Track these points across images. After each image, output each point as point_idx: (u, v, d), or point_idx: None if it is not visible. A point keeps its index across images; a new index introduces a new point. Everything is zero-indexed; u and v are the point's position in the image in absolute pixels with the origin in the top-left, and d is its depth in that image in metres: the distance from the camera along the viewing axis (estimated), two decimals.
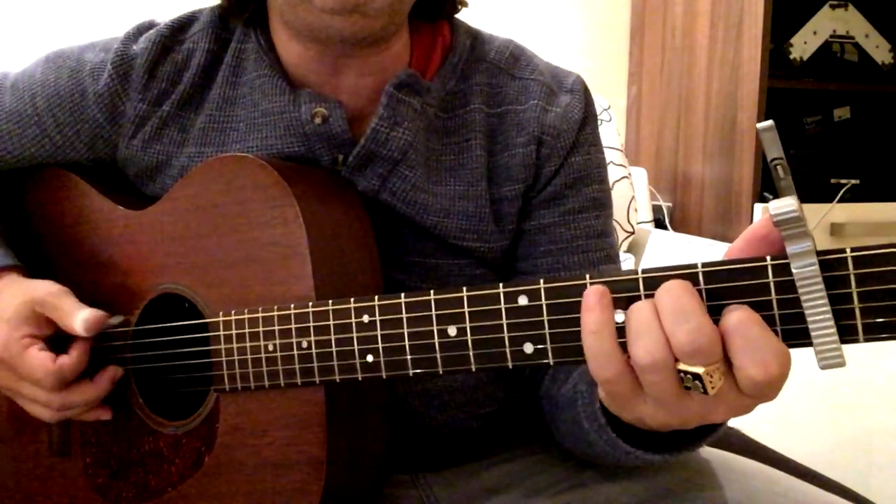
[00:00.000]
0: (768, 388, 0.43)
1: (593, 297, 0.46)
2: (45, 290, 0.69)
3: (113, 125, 0.74)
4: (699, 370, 0.43)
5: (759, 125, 0.40)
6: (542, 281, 0.49)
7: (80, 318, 0.66)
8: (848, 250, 0.41)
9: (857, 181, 1.96)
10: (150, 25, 0.75)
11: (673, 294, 0.44)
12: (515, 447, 0.78)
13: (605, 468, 0.70)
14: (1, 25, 1.78)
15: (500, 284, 0.51)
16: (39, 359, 0.65)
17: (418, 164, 0.70)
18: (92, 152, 0.76)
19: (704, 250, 1.82)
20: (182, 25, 0.74)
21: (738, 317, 0.43)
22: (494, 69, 0.75)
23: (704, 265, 0.45)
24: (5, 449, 0.77)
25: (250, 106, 0.71)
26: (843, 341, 0.42)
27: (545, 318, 0.49)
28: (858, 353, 0.43)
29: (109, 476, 0.72)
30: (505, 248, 0.74)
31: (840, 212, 1.90)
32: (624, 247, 1.92)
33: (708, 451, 0.71)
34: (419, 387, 0.72)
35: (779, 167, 0.40)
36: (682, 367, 0.43)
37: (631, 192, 1.92)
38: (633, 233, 1.92)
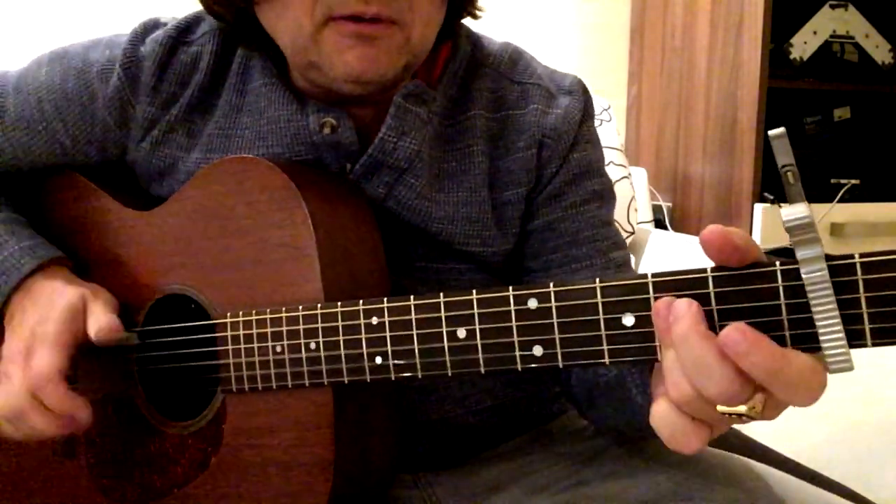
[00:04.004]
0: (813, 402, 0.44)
1: (685, 306, 0.44)
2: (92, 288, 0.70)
3: (122, 128, 0.74)
4: (740, 409, 0.43)
5: (771, 132, 0.41)
6: (551, 284, 0.50)
7: (93, 323, 0.67)
8: (857, 256, 0.41)
9: (857, 181, 1.96)
10: (157, 25, 0.74)
11: (689, 346, 0.43)
12: (515, 445, 0.78)
13: (605, 467, 0.70)
14: (1, 25, 1.78)
15: (510, 287, 0.51)
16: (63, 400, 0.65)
17: (423, 172, 0.70)
18: (102, 154, 0.75)
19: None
20: (189, 26, 0.74)
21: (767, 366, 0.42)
22: (494, 74, 0.75)
23: (714, 269, 0.45)
24: (9, 449, 0.77)
25: (256, 114, 0.71)
26: (852, 346, 0.42)
27: (555, 320, 0.49)
28: (862, 355, 0.44)
29: (114, 476, 0.72)
30: (508, 251, 0.75)
31: (840, 212, 1.91)
32: None
33: (708, 452, 0.71)
34: (416, 382, 0.72)
35: (789, 173, 0.41)
36: (721, 409, 0.44)
37: (631, 192, 1.92)
38: (633, 233, 1.92)
